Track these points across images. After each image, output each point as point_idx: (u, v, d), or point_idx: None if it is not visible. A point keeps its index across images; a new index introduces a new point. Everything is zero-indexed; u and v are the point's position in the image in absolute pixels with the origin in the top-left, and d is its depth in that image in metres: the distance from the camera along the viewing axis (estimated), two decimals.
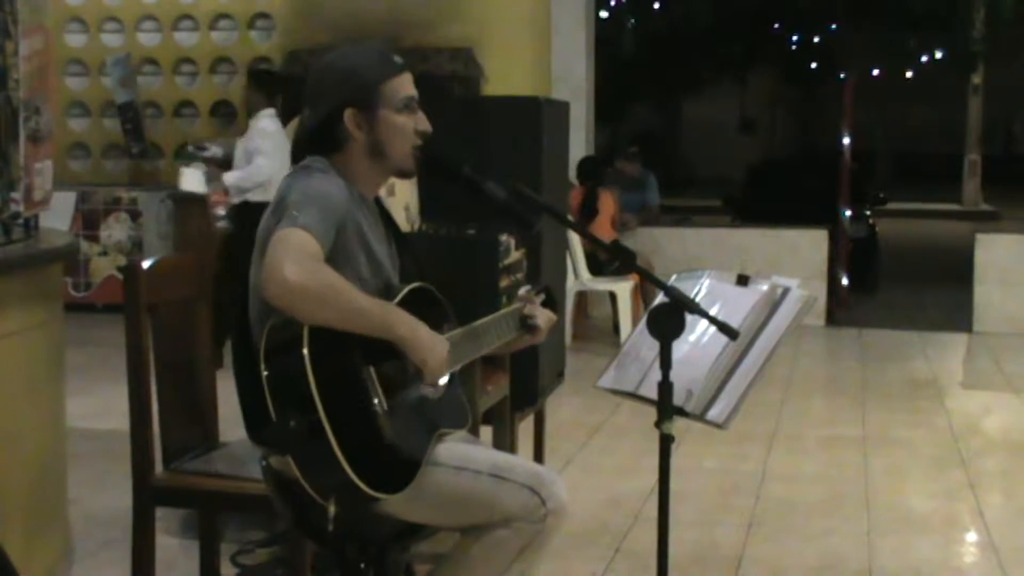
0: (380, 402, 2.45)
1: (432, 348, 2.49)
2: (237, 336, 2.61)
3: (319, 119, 2.65)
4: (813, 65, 25.71)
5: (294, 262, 2.35)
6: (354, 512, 2.49)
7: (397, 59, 2.68)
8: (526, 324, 2.87)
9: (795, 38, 25.01)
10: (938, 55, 22.89)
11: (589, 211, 8.83)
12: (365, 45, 2.77)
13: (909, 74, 25.48)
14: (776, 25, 24.07)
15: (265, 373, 2.39)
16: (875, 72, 23.80)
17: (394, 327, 2.45)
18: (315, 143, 2.67)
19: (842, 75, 11.87)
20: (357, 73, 2.64)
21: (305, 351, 2.35)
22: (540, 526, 2.59)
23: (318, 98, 2.65)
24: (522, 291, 2.93)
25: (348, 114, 2.62)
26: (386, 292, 2.62)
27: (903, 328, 9.74)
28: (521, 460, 2.79)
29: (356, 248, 2.59)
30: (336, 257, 2.50)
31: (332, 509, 2.41)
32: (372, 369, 2.46)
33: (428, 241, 4.21)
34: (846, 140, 10.85)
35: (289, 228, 2.41)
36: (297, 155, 2.70)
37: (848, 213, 10.80)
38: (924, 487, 5.30)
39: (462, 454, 2.64)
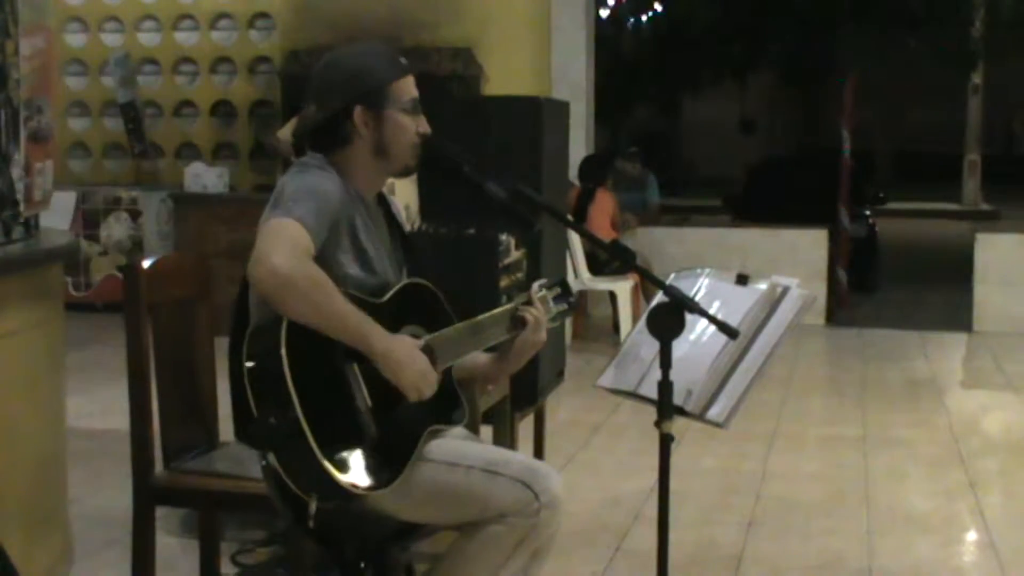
0: (364, 399, 2.46)
1: (407, 365, 2.48)
2: (234, 332, 2.62)
3: (327, 115, 2.65)
4: (813, 65, 25.69)
5: (284, 251, 2.37)
6: (340, 509, 2.49)
7: (403, 60, 2.71)
8: (514, 320, 2.83)
9: (795, 38, 24.99)
10: (938, 55, 22.88)
11: (582, 211, 8.79)
12: (372, 44, 2.78)
13: (909, 74, 25.47)
14: (776, 25, 24.06)
15: (247, 371, 2.41)
16: (875, 72, 23.80)
17: (368, 341, 2.45)
18: (319, 139, 2.68)
19: (842, 75, 11.86)
20: (368, 72, 2.66)
21: (283, 351, 2.37)
22: (534, 520, 2.58)
23: (327, 94, 2.66)
24: (535, 286, 2.90)
25: (358, 112, 2.64)
26: (382, 290, 2.63)
27: (903, 328, 9.73)
28: (515, 455, 2.79)
29: (348, 246, 2.59)
30: (327, 253, 2.51)
31: (313, 505, 2.42)
32: (356, 366, 2.46)
33: (428, 241, 4.20)
34: (846, 140, 10.85)
35: (283, 218, 2.42)
36: (300, 150, 2.71)
37: (848, 213, 10.80)
38: (924, 487, 5.30)
39: (455, 450, 2.65)
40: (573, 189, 8.73)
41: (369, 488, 2.43)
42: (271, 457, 2.47)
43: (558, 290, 2.92)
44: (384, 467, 2.48)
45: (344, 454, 2.39)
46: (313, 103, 2.68)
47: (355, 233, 2.62)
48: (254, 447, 2.53)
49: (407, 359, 2.49)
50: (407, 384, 2.49)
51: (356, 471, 2.40)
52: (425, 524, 2.73)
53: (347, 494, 2.40)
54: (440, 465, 2.60)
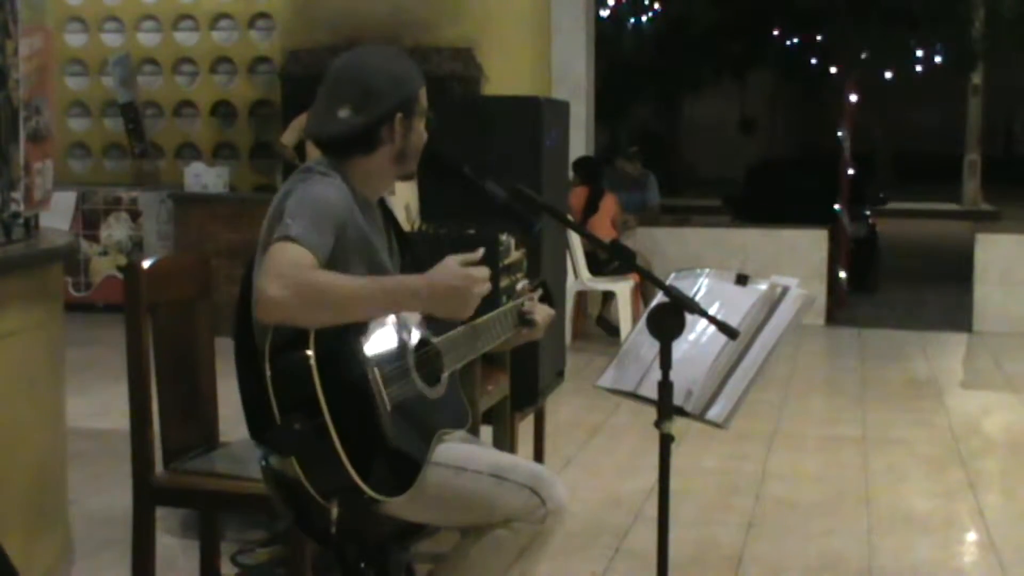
0: (384, 403, 2.45)
1: (458, 285, 2.47)
2: (239, 336, 2.61)
3: (368, 121, 2.63)
4: (813, 65, 25.69)
5: (275, 278, 2.33)
6: (358, 513, 2.49)
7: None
8: (523, 319, 2.88)
9: (795, 38, 24.99)
10: (938, 55, 22.88)
11: (592, 211, 8.84)
12: (395, 49, 2.79)
13: (909, 74, 25.47)
14: (776, 25, 24.04)
15: (269, 374, 2.38)
16: (875, 72, 23.80)
17: (401, 302, 2.46)
18: (345, 144, 2.66)
19: (842, 75, 11.88)
20: (409, 78, 2.68)
21: (310, 352, 2.35)
22: (539, 527, 2.58)
23: (370, 100, 2.63)
24: (519, 286, 2.94)
25: (399, 119, 2.64)
26: None
27: (903, 328, 9.74)
28: (521, 460, 2.79)
29: (357, 250, 2.59)
30: (336, 260, 2.50)
31: (335, 511, 2.41)
32: (377, 370, 2.46)
33: (428, 241, 4.20)
34: (846, 140, 10.85)
35: (279, 243, 2.40)
36: (300, 151, 2.72)
37: (848, 213, 10.80)
38: (924, 487, 5.30)
39: (463, 454, 2.64)
40: (576, 189, 8.75)
41: (389, 493, 2.43)
42: (275, 459, 2.46)
43: (540, 292, 2.97)
44: (400, 472, 2.48)
45: (366, 460, 2.38)
46: (349, 107, 2.63)
47: (364, 237, 2.61)
48: (276, 452, 2.49)
49: (450, 279, 2.48)
50: (472, 295, 2.48)
51: (377, 476, 2.40)
52: (429, 525, 2.74)
53: (368, 500, 2.40)
54: (448, 469, 2.60)
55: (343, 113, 2.63)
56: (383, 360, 2.47)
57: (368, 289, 2.43)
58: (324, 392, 2.34)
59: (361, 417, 2.42)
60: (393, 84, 2.64)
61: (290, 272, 2.35)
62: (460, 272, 2.50)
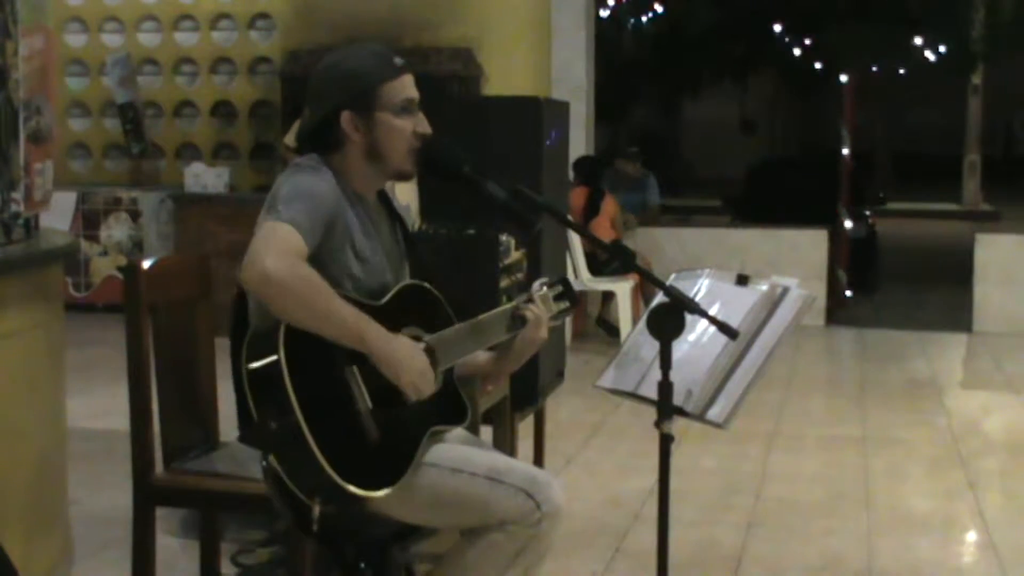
0: (364, 401, 2.45)
1: (407, 364, 2.48)
2: (234, 334, 2.61)
3: (317, 120, 2.65)
4: (813, 65, 25.70)
5: (275, 255, 2.36)
6: (344, 511, 2.49)
7: (397, 60, 2.67)
8: (514, 318, 2.82)
9: (795, 39, 24.99)
10: (938, 55, 22.88)
11: (593, 211, 8.84)
12: (366, 46, 2.75)
13: (909, 74, 25.46)
14: (776, 26, 24.06)
15: (246, 375, 2.41)
16: (875, 72, 23.79)
17: (367, 340, 2.44)
18: (314, 143, 2.68)
19: (842, 76, 11.88)
20: (355, 75, 2.63)
21: (281, 354, 2.37)
22: (535, 529, 2.58)
23: (317, 99, 2.66)
24: (536, 284, 2.88)
25: (345, 116, 2.62)
26: (380, 292, 2.62)
27: (903, 328, 9.74)
28: (518, 463, 2.77)
29: (345, 246, 2.58)
30: (323, 255, 2.51)
31: (317, 509, 2.42)
32: (356, 368, 2.46)
33: (428, 241, 4.20)
34: (846, 140, 10.85)
35: (275, 222, 2.42)
36: (302, 152, 2.71)
37: (848, 213, 10.80)
38: (924, 487, 5.30)
39: (459, 456, 2.64)
40: (576, 189, 8.74)
41: (371, 491, 2.43)
42: (273, 460, 2.47)
43: (559, 288, 2.90)
44: (386, 469, 2.48)
45: (346, 457, 2.39)
46: (307, 106, 2.68)
47: (351, 234, 2.61)
48: (255, 450, 2.52)
49: (406, 358, 2.48)
50: (406, 383, 2.48)
51: (358, 474, 2.40)
52: (426, 526, 2.73)
53: (349, 497, 2.40)
54: (443, 470, 2.60)
55: (305, 113, 2.68)
56: (366, 358, 2.47)
57: (348, 316, 2.42)
58: (295, 391, 2.35)
59: (337, 415, 2.42)
60: (336, 82, 2.63)
61: (292, 259, 2.37)
62: (421, 364, 2.50)
